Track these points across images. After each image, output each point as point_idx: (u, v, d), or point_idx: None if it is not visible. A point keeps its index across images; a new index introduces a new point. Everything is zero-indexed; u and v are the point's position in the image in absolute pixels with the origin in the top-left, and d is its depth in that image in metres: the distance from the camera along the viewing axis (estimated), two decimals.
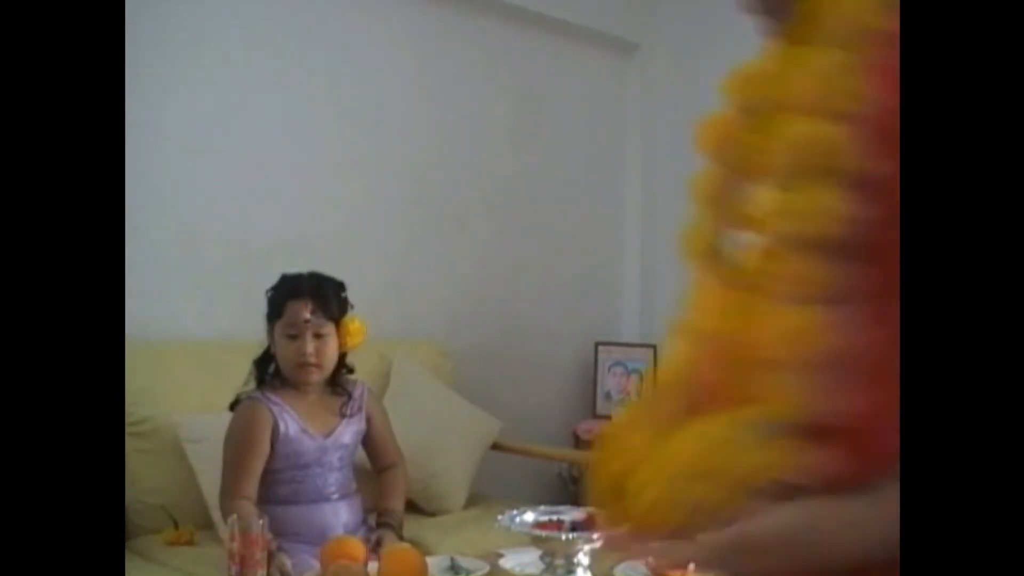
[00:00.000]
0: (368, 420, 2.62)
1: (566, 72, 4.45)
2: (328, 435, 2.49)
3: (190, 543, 2.79)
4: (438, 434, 3.20)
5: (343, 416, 2.53)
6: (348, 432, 2.54)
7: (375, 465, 2.70)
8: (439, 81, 4.00)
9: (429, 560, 2.00)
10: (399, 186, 3.88)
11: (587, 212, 4.57)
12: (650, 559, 2.04)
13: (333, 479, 2.51)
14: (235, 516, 1.93)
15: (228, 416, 2.55)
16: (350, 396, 2.57)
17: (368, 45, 3.77)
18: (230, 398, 2.56)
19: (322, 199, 3.63)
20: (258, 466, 2.38)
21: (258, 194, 3.45)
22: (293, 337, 2.43)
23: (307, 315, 2.41)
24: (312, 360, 2.43)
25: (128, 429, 2.79)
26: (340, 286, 2.54)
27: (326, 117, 3.64)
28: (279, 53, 3.49)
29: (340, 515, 2.49)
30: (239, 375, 2.60)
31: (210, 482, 2.77)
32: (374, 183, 3.80)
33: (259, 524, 1.84)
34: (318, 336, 2.44)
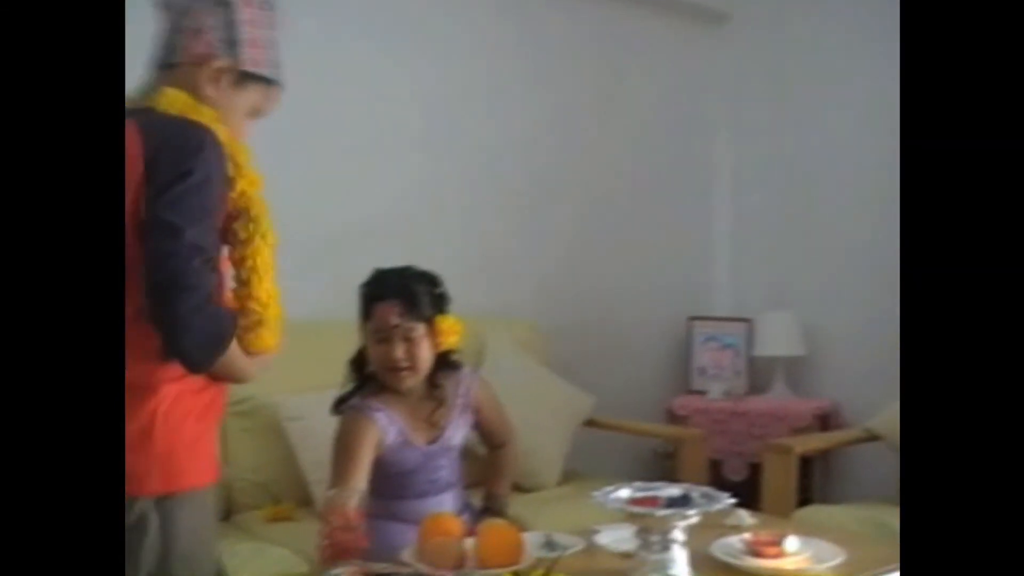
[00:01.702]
0: (477, 411, 2.50)
1: (654, 45, 4.40)
2: (433, 441, 2.40)
3: (290, 519, 2.85)
4: (532, 411, 3.21)
5: (446, 425, 2.42)
6: (455, 435, 2.44)
7: (487, 445, 2.64)
8: (526, 59, 3.99)
9: (525, 536, 2.00)
10: (488, 165, 3.89)
11: (677, 186, 4.53)
12: (747, 535, 2.03)
13: (439, 475, 2.43)
14: (331, 494, 1.96)
15: (324, 395, 2.58)
16: (451, 399, 2.43)
17: (454, 26, 3.78)
18: (325, 377, 2.57)
19: (413, 180, 3.66)
20: (364, 472, 2.28)
21: (349, 176, 3.49)
22: (382, 341, 2.32)
23: (395, 320, 2.30)
24: (403, 365, 2.32)
25: (230, 409, 2.84)
26: (433, 281, 2.40)
27: (415, 99, 3.67)
28: (362, 35, 3.52)
29: (445, 505, 2.40)
30: (333, 355, 2.62)
31: (309, 460, 2.83)
32: (464, 162, 3.81)
33: (355, 506, 1.87)
34: (408, 340, 2.31)
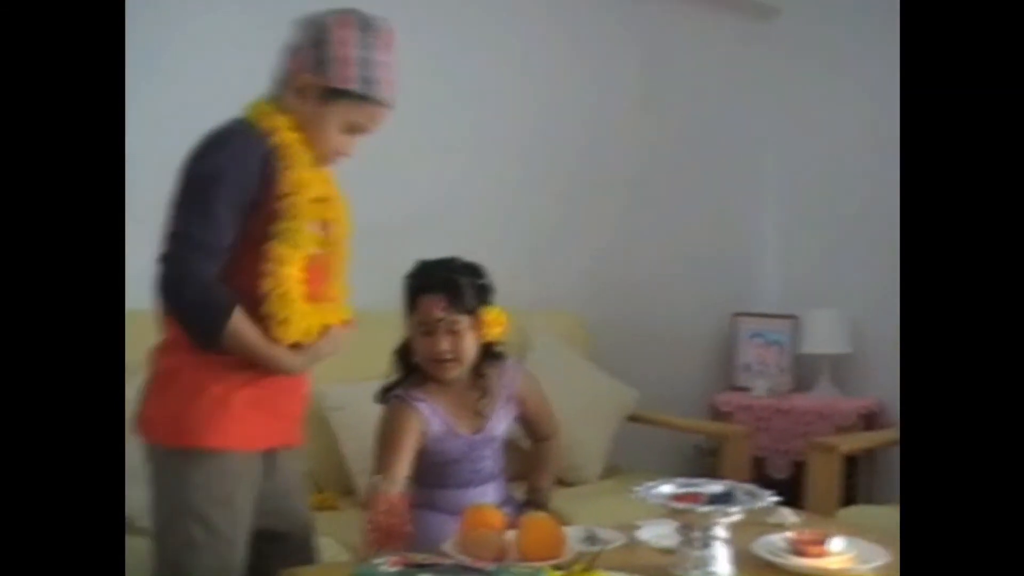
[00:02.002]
0: (522, 402, 2.51)
1: (703, 39, 4.38)
2: (477, 431, 2.41)
3: (333, 508, 2.87)
4: (575, 405, 3.21)
5: (490, 415, 2.43)
6: (499, 426, 2.45)
7: (531, 437, 2.64)
8: (573, 52, 3.98)
9: (566, 530, 2.00)
10: (535, 159, 3.89)
11: (725, 181, 4.50)
12: (790, 534, 2.01)
13: (482, 466, 2.44)
14: (375, 480, 1.97)
15: (367, 385, 2.59)
16: (495, 390, 2.45)
17: (500, 20, 3.78)
18: (370, 368, 2.59)
19: (458, 172, 3.67)
20: (407, 461, 2.30)
21: (394, 168, 3.50)
22: (427, 334, 2.34)
23: (439, 313, 2.31)
24: (448, 357, 2.34)
25: None
26: (478, 272, 2.41)
27: (460, 93, 3.67)
28: (407, 31, 3.52)
29: (487, 496, 2.42)
30: (378, 346, 2.64)
31: (352, 449, 2.85)
32: (510, 157, 3.82)
33: (400, 494, 1.88)
34: (453, 332, 2.33)
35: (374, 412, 2.46)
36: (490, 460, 2.46)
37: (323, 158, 2.00)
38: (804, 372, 4.30)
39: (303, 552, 2.13)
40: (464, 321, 2.34)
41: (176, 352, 1.90)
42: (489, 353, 2.44)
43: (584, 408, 3.28)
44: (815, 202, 4.46)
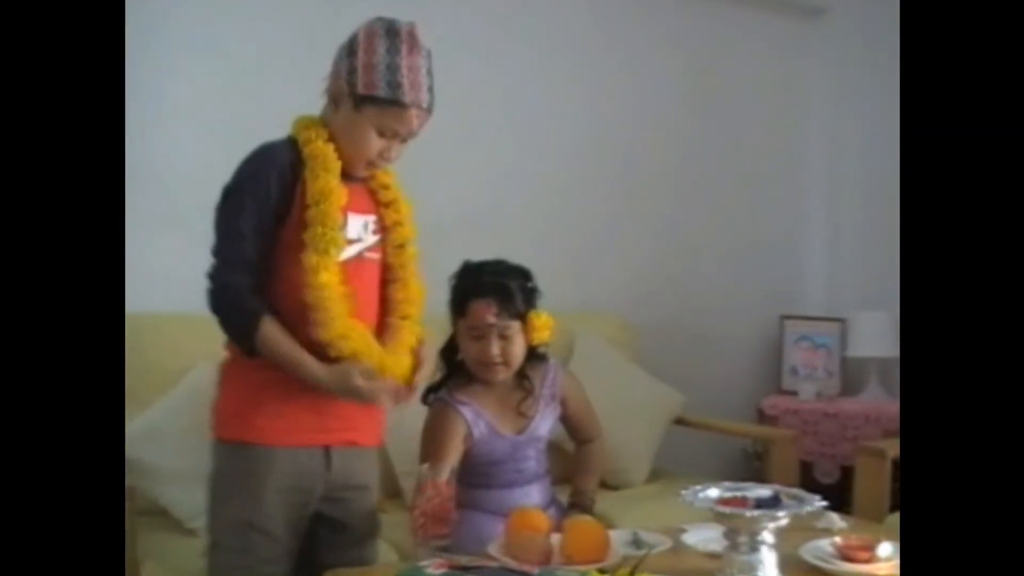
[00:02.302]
0: (564, 403, 2.53)
1: (749, 39, 4.35)
2: (521, 431, 2.43)
3: (380, 510, 2.87)
4: (621, 408, 3.20)
5: (533, 415, 2.45)
6: (542, 425, 2.47)
7: (574, 439, 2.65)
8: (617, 53, 3.98)
9: (612, 533, 2.01)
10: (579, 161, 3.89)
11: (771, 182, 4.47)
12: (838, 539, 1.99)
13: (526, 466, 2.46)
14: (422, 469, 1.99)
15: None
16: (538, 390, 2.47)
17: (544, 20, 3.78)
18: None
19: (503, 175, 3.67)
20: (452, 461, 2.30)
21: (439, 170, 3.51)
22: (478, 338, 2.36)
23: (491, 318, 2.32)
24: (498, 360, 2.36)
25: None
26: (526, 275, 2.44)
27: (505, 94, 3.68)
28: (451, 31, 3.54)
29: (532, 496, 2.44)
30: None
31: (398, 452, 2.86)
32: (554, 157, 3.82)
33: (446, 480, 1.91)
34: (504, 337, 2.35)
35: (420, 415, 2.48)
36: (534, 461, 2.47)
37: (366, 164, 2.07)
38: (852, 375, 4.26)
39: (362, 546, 2.18)
40: (515, 326, 2.35)
41: (232, 357, 2.05)
42: (532, 354, 2.46)
43: (630, 411, 3.27)
44: (862, 203, 4.42)
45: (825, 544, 2.00)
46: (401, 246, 2.18)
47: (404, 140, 2.08)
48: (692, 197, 4.20)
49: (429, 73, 2.04)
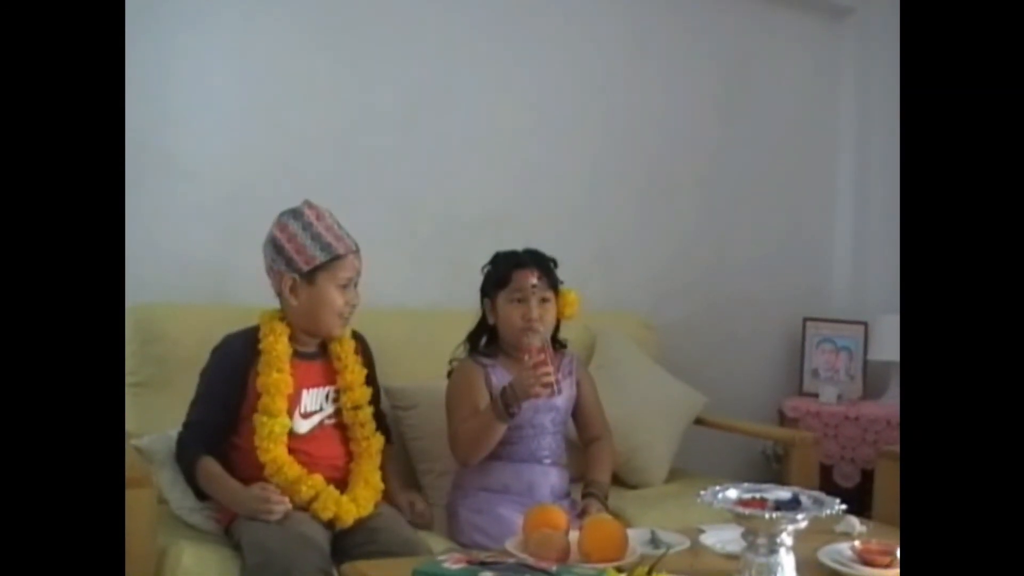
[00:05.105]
0: (578, 386, 2.70)
1: (776, 40, 4.34)
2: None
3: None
4: (641, 407, 3.20)
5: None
6: (560, 396, 2.55)
7: (582, 436, 2.74)
8: (646, 53, 3.98)
9: (630, 532, 2.01)
10: (605, 160, 3.89)
11: (797, 184, 4.45)
12: (857, 543, 1.99)
13: (546, 443, 2.59)
14: (528, 335, 2.50)
15: (438, 384, 2.63)
16: (556, 366, 2.53)
17: (574, 19, 3.78)
18: (440, 366, 2.64)
19: (530, 173, 3.68)
20: (480, 404, 2.50)
21: (468, 169, 3.53)
22: (520, 301, 2.55)
23: (534, 280, 2.54)
24: (538, 321, 2.53)
25: None
26: (554, 261, 2.65)
27: (533, 92, 3.69)
28: (480, 29, 3.56)
29: (549, 477, 2.57)
30: (448, 343, 2.67)
31: (419, 448, 2.87)
32: (581, 157, 3.82)
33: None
34: (544, 300, 2.56)
35: (441, 412, 2.50)
36: (552, 436, 2.61)
37: (341, 321, 2.42)
38: (874, 379, 4.24)
39: (388, 534, 2.32)
40: (551, 294, 2.58)
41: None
42: (556, 342, 2.64)
43: (650, 410, 3.27)
44: (887, 206, 4.39)
45: (844, 548, 2.00)
46: (356, 408, 2.45)
47: (356, 284, 2.42)
48: (718, 198, 4.20)
49: (339, 224, 2.42)
